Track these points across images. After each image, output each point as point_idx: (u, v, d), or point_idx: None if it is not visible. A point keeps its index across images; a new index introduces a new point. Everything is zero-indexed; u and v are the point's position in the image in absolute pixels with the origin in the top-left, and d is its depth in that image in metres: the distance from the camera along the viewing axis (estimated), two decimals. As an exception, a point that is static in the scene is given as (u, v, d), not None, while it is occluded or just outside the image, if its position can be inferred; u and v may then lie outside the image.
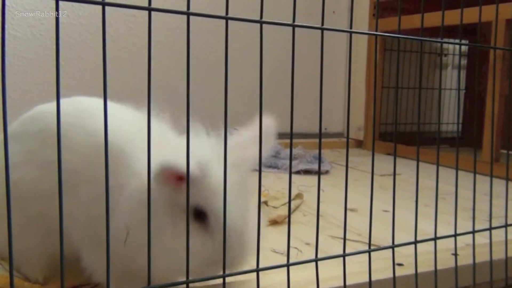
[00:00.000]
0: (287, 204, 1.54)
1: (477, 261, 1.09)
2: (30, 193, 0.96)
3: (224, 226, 0.76)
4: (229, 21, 0.74)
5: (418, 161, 1.00)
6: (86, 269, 0.94)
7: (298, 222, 1.56)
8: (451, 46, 3.76)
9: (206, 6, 3.00)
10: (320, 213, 0.88)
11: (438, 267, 1.02)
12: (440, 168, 1.05)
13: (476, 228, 1.09)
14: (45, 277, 1.04)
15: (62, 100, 1.08)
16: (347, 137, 0.90)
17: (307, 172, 2.39)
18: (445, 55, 3.82)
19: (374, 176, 0.93)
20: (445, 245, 1.13)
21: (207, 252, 0.81)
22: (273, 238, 1.35)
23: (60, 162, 0.61)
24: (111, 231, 0.66)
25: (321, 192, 0.88)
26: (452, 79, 3.83)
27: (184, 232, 0.73)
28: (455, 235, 1.05)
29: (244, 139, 0.89)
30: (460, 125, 3.78)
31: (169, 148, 0.83)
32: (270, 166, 2.49)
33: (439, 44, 1.58)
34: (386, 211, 1.61)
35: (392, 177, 0.96)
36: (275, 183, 2.03)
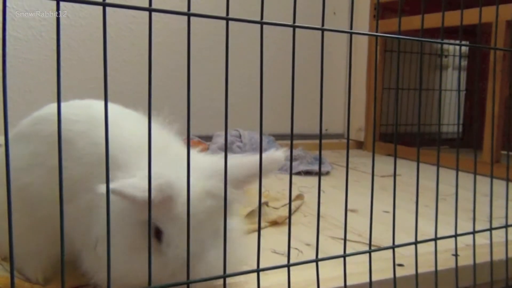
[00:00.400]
0: (288, 205, 1.55)
1: (477, 261, 1.09)
2: (39, 197, 0.97)
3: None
4: (230, 22, 0.74)
5: (418, 162, 1.00)
6: (87, 273, 0.95)
7: (299, 222, 1.56)
8: (451, 47, 3.76)
9: (206, 7, 3.01)
10: (321, 214, 0.88)
11: (439, 268, 1.03)
12: (440, 169, 1.05)
13: (477, 228, 1.09)
14: (46, 278, 1.04)
15: (76, 102, 1.09)
16: (348, 138, 0.90)
17: (307, 173, 2.39)
18: (446, 56, 3.81)
19: (375, 177, 0.93)
20: (446, 245, 1.13)
21: (156, 269, 0.80)
22: (274, 239, 1.35)
23: (61, 168, 0.61)
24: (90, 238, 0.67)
25: (321, 193, 0.88)
26: (452, 80, 3.83)
27: (139, 247, 0.78)
28: (456, 236, 1.05)
29: (239, 161, 0.88)
30: (460, 126, 3.78)
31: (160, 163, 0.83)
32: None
33: (439, 45, 1.58)
34: (386, 211, 1.61)
35: (392, 178, 0.96)
36: (276, 184, 2.03)
